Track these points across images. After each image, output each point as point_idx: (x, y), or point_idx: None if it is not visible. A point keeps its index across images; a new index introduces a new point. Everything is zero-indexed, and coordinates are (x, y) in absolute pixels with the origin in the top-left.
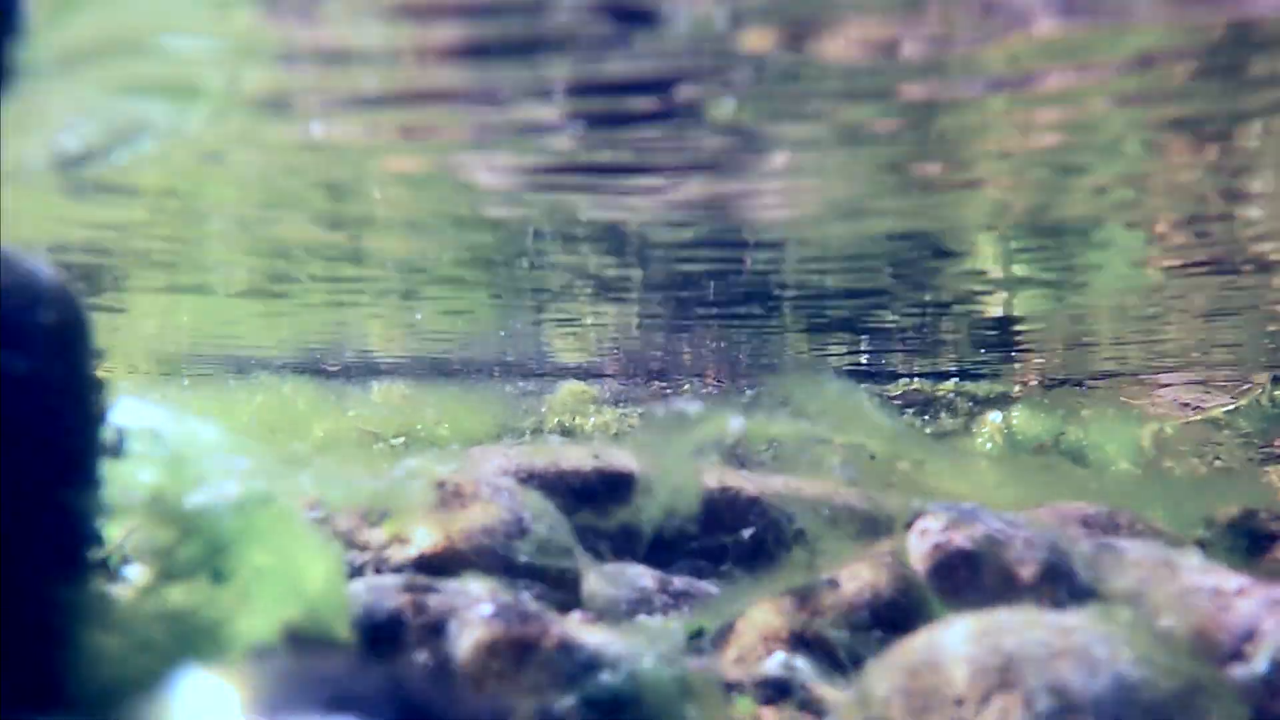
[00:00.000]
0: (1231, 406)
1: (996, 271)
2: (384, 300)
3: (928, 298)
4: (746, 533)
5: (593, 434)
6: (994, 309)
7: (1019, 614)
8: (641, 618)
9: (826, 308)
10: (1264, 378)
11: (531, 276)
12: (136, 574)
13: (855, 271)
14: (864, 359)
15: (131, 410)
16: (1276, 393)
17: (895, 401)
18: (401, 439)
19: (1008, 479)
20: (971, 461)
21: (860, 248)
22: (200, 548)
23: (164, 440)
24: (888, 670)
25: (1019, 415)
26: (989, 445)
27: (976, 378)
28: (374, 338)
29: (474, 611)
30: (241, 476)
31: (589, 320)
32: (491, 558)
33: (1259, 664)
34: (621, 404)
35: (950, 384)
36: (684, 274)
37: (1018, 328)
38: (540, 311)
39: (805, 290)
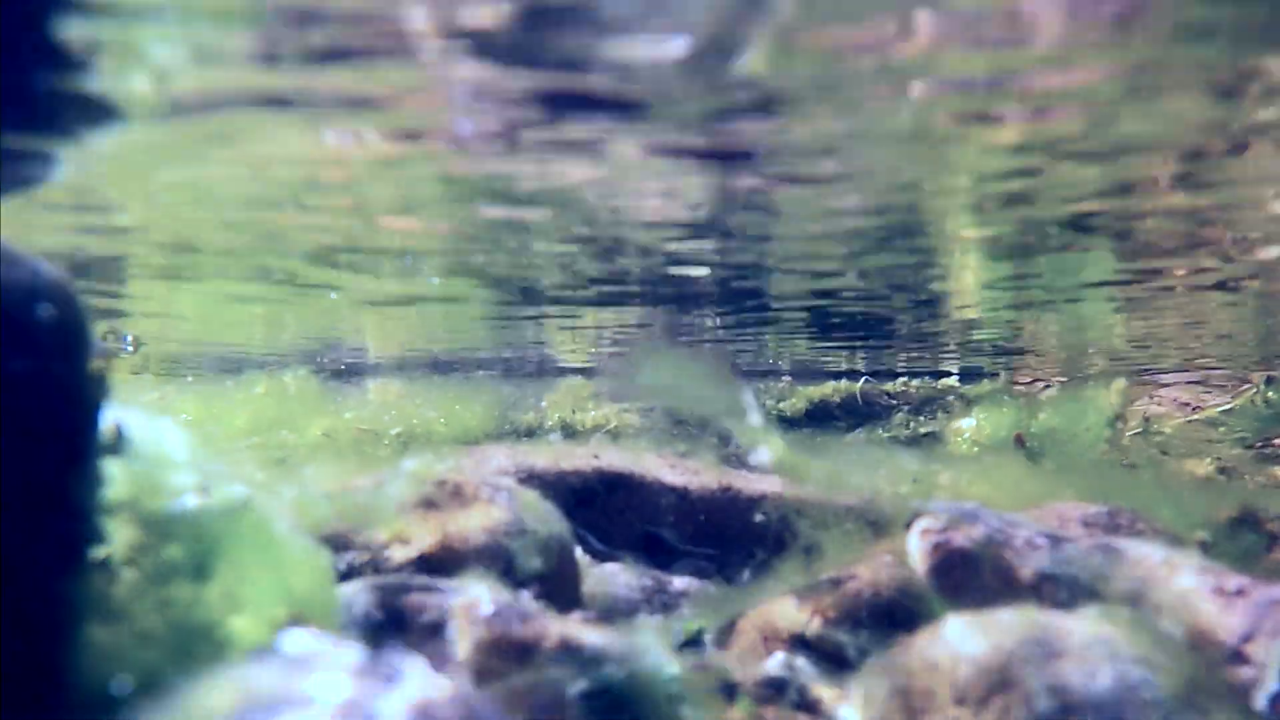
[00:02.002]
0: (1227, 406)
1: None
2: (384, 297)
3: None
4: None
5: (592, 429)
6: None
7: (1019, 614)
8: (641, 618)
9: (821, 308)
10: (1258, 377)
11: (530, 278)
12: (124, 574)
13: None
14: (860, 359)
15: (121, 413)
16: (1270, 393)
17: (892, 401)
18: (400, 433)
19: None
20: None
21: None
22: (181, 550)
23: (149, 442)
24: (888, 670)
25: (984, 415)
26: (975, 447)
27: (977, 378)
28: (372, 337)
29: (474, 611)
30: (226, 480)
31: (589, 322)
32: (491, 557)
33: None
34: (620, 399)
35: (948, 382)
36: (681, 275)
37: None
38: (540, 313)
39: (800, 291)
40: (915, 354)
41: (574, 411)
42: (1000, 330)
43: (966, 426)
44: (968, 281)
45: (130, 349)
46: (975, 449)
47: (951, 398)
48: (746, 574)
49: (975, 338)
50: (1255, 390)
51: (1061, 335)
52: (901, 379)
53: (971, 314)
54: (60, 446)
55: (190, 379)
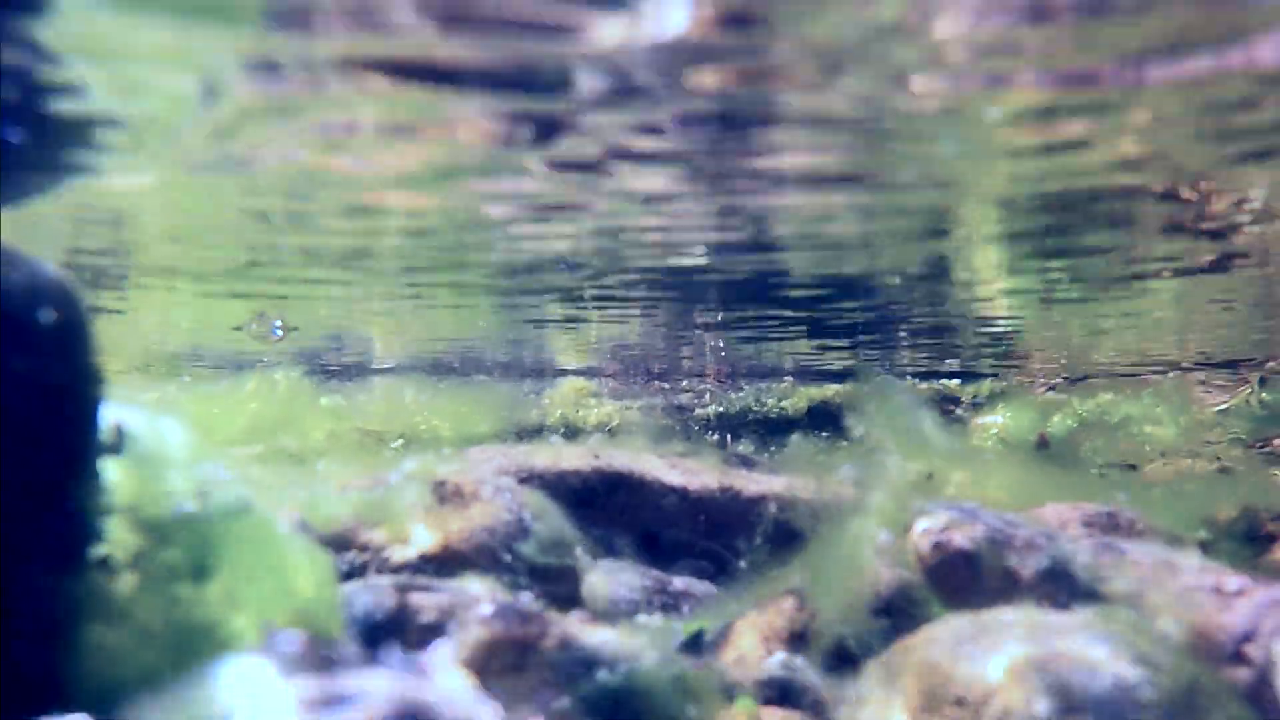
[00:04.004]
0: (1223, 406)
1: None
2: (388, 297)
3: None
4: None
5: (594, 426)
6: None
7: (1019, 614)
8: (641, 618)
9: (829, 306)
10: (1254, 377)
11: (533, 279)
12: (124, 578)
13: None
14: (865, 359)
15: (121, 413)
16: (1264, 394)
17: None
18: (402, 439)
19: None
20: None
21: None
22: (180, 553)
23: (149, 443)
24: (888, 670)
25: (1009, 414)
26: (999, 444)
27: (978, 377)
28: (376, 337)
29: (474, 611)
30: (225, 482)
31: (590, 323)
32: (492, 558)
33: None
34: (621, 399)
35: (953, 384)
36: (684, 275)
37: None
38: (542, 314)
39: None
40: (920, 355)
41: (576, 409)
42: (1019, 328)
43: (993, 424)
44: (989, 279)
45: (280, 334)
46: (1000, 446)
47: (956, 401)
48: (747, 574)
49: (989, 338)
50: (1250, 391)
51: (1077, 332)
52: (907, 380)
53: (995, 311)
54: (60, 446)
55: (188, 379)
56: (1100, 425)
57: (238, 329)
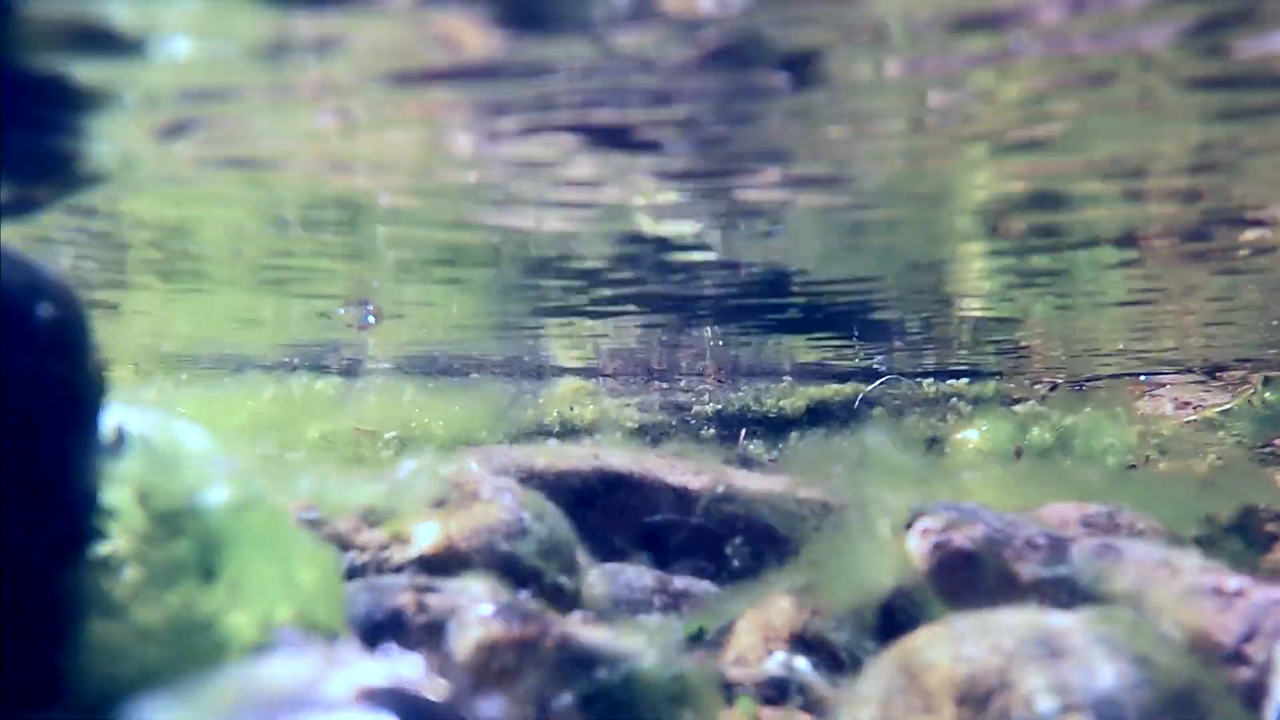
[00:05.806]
0: (1225, 407)
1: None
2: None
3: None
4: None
5: (593, 421)
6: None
7: (1019, 614)
8: (641, 618)
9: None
10: (1257, 378)
11: (531, 282)
12: (128, 573)
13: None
14: (859, 358)
15: (124, 411)
16: (1268, 394)
17: (896, 404)
18: (398, 438)
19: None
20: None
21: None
22: (188, 547)
23: (153, 440)
24: (888, 670)
25: (986, 425)
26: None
27: (980, 378)
28: (373, 336)
29: (474, 611)
30: (233, 478)
31: (586, 327)
32: (492, 557)
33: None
34: (618, 396)
35: (960, 383)
36: (683, 276)
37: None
38: (540, 315)
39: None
40: (915, 354)
41: (572, 408)
42: (1006, 328)
43: (971, 438)
44: (974, 273)
45: (371, 320)
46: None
47: (955, 400)
48: (746, 574)
49: (981, 335)
50: (1253, 391)
51: (1067, 331)
52: (907, 380)
53: (977, 309)
54: (60, 445)
55: (185, 377)
56: (1079, 433)
57: (324, 315)
